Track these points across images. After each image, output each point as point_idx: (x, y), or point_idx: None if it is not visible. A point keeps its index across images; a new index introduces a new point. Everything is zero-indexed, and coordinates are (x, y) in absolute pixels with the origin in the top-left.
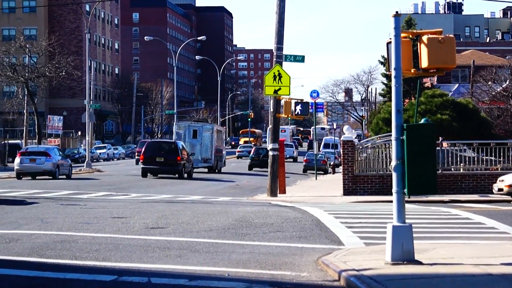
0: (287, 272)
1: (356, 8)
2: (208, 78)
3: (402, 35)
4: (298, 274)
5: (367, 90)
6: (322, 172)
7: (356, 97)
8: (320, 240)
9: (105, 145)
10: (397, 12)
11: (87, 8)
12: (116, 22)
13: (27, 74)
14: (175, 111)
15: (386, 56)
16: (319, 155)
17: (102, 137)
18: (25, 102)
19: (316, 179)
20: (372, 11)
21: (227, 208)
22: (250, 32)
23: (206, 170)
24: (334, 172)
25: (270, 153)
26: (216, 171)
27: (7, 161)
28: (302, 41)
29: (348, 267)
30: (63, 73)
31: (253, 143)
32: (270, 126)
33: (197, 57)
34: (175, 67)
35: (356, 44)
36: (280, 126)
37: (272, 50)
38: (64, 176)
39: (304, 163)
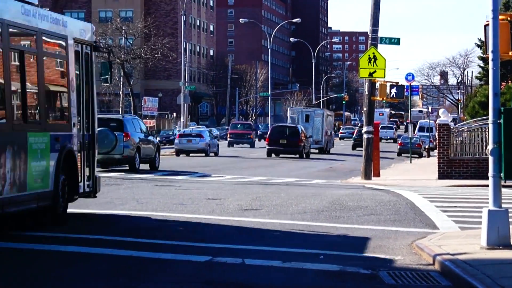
0: (381, 256)
1: None
2: (302, 60)
3: (500, 17)
4: (392, 258)
5: (463, 73)
6: (417, 156)
7: (452, 80)
8: (415, 223)
9: (200, 127)
10: None
11: None
12: (211, 4)
13: (123, 56)
14: (269, 93)
15: (483, 38)
16: (414, 139)
17: (196, 119)
18: (121, 83)
19: (410, 162)
20: None
21: (321, 190)
22: (345, 14)
23: (317, 151)
24: (429, 156)
25: (365, 136)
26: (326, 151)
27: None
28: (397, 23)
29: (442, 251)
30: (159, 55)
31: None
32: (364, 109)
33: (291, 40)
34: (269, 49)
35: (452, 26)
36: (378, 109)
37: (367, 32)
38: (213, 154)
39: (398, 146)
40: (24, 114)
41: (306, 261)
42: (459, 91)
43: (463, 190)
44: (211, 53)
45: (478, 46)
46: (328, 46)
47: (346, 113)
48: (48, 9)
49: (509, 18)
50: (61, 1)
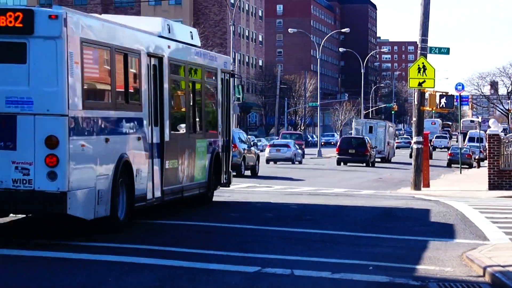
0: (431, 267)
1: None
2: (351, 70)
3: None
4: (442, 269)
5: None
6: (467, 166)
7: (502, 90)
8: (465, 235)
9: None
10: None
11: (232, 0)
12: (260, 14)
13: None
14: (318, 103)
15: None
16: (464, 149)
17: (245, 128)
18: None
19: (460, 173)
20: None
21: (370, 201)
22: (394, 23)
23: (379, 160)
24: (479, 166)
25: (414, 146)
26: (388, 160)
27: None
28: (447, 32)
29: (493, 263)
30: None
31: None
32: (414, 119)
33: (340, 49)
34: (318, 59)
35: (502, 35)
36: (430, 119)
37: (416, 42)
38: (298, 162)
39: (448, 157)
40: (194, 127)
41: (356, 272)
42: (509, 101)
43: None
44: (260, 63)
45: None
46: (377, 55)
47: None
48: None
49: None
50: (111, 11)
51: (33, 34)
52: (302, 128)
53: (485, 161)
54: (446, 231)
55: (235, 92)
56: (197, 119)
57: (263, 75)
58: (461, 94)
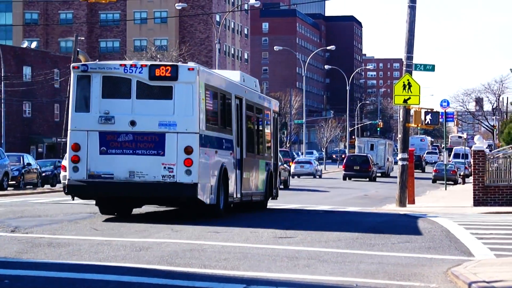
0: (416, 283)
1: (486, 14)
2: (336, 87)
3: None
4: (427, 285)
5: (499, 99)
6: (452, 183)
7: (487, 107)
8: (450, 251)
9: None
10: None
11: (217, 18)
12: (246, 32)
13: None
14: (304, 120)
15: None
16: (449, 165)
17: None
18: None
19: (445, 189)
20: (504, 16)
21: (355, 218)
22: (380, 41)
23: (379, 174)
24: (464, 183)
25: (400, 162)
26: (387, 175)
27: None
28: (432, 49)
29: (478, 279)
30: None
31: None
32: (399, 136)
33: (326, 67)
34: (304, 77)
35: (487, 52)
36: (419, 136)
37: (401, 59)
38: (318, 177)
39: (433, 173)
40: (258, 150)
41: None
42: (494, 117)
43: (498, 217)
44: None
45: None
46: (363, 73)
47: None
48: (84, 38)
49: None
50: (96, 30)
51: (178, 80)
52: (288, 145)
53: (470, 177)
54: (431, 248)
55: (281, 127)
56: (260, 145)
57: None
58: (446, 110)
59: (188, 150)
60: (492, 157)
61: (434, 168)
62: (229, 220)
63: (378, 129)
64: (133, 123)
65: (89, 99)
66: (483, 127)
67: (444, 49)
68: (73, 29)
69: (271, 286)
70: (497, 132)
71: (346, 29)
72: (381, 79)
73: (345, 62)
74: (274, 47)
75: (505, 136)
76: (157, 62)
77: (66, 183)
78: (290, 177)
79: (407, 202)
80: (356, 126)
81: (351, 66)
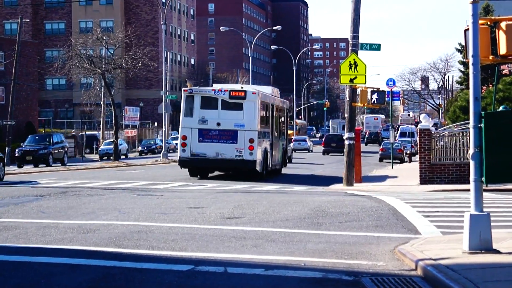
0: (363, 262)
1: None
2: (283, 67)
3: (480, 21)
4: (375, 264)
5: (444, 78)
6: (399, 161)
7: (433, 85)
8: (397, 229)
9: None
10: None
11: None
12: (192, 13)
13: (104, 66)
14: None
15: (463, 43)
16: (395, 144)
17: (178, 128)
18: (102, 93)
19: (392, 168)
20: None
21: (303, 197)
22: (326, 21)
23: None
24: (410, 161)
25: (346, 142)
26: None
27: (85, 152)
28: (378, 29)
29: (425, 256)
30: (140, 64)
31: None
32: (346, 115)
33: (272, 47)
34: (250, 57)
35: (432, 31)
36: (373, 115)
37: (347, 39)
38: (310, 151)
39: (380, 152)
40: (278, 135)
41: (289, 268)
42: (440, 96)
43: (444, 195)
44: (192, 61)
45: (459, 50)
46: (309, 53)
47: (300, 121)
48: (29, 20)
49: (488, 23)
50: (42, 12)
51: (246, 99)
52: None
53: (416, 156)
54: (378, 226)
55: (290, 118)
56: (280, 131)
57: (195, 73)
58: (392, 89)
59: (251, 140)
60: (438, 135)
61: (381, 147)
62: (267, 181)
63: (325, 108)
64: (218, 124)
65: (192, 109)
66: (429, 105)
67: (390, 28)
68: (18, 11)
69: (219, 266)
70: (442, 110)
71: (292, 9)
72: (327, 59)
73: (291, 42)
74: (220, 28)
75: (451, 114)
76: (234, 88)
77: (178, 159)
78: (292, 153)
79: (354, 181)
80: (303, 106)
81: (297, 47)
